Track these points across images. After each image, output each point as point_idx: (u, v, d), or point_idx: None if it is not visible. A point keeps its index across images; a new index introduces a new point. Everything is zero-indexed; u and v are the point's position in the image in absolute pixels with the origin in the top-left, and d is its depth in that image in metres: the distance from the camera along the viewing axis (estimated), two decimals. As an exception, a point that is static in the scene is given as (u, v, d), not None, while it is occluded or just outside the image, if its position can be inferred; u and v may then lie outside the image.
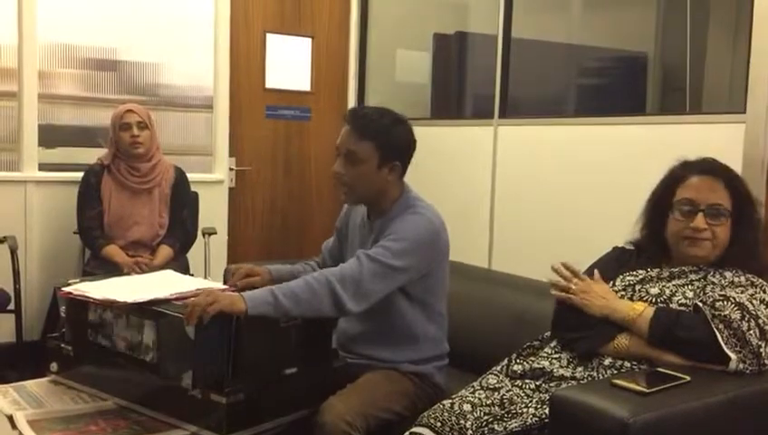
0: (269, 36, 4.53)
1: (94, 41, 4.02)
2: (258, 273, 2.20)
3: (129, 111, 3.49)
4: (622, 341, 1.83)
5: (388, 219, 2.16)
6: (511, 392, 1.87)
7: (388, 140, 2.15)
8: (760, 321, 1.73)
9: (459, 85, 4.92)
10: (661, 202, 1.97)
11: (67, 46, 3.96)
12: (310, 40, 4.66)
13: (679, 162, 1.98)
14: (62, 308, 2.14)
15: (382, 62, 4.87)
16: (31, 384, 2.12)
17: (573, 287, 1.93)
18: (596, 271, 1.99)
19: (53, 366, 2.14)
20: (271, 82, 4.56)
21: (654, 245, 1.99)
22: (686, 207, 1.90)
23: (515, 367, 1.94)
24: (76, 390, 2.08)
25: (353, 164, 2.14)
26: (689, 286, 1.86)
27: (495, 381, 1.94)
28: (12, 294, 3.41)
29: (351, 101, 4.78)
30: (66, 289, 2.07)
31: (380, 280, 2.02)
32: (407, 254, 2.05)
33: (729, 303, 1.74)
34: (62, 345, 2.12)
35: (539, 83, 4.51)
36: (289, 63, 4.61)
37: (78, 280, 2.19)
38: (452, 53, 4.85)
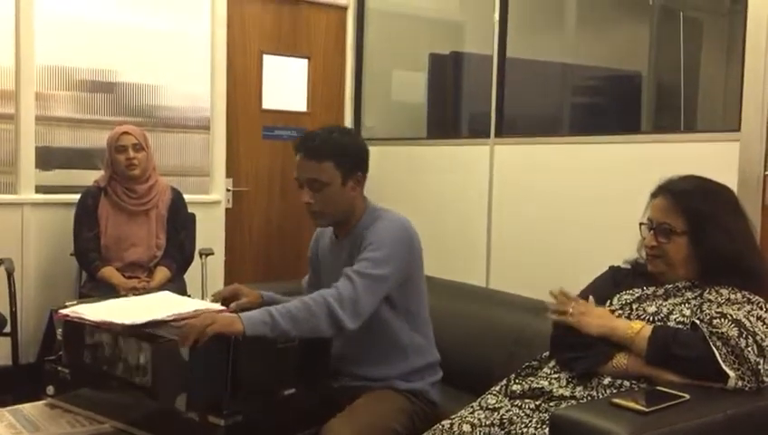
0: (266, 57, 4.56)
1: (91, 63, 4.04)
2: (245, 294, 2.19)
3: (125, 132, 3.49)
4: (621, 360, 1.82)
5: (357, 232, 2.16)
6: (510, 412, 1.87)
7: (345, 153, 2.14)
8: (757, 338, 1.73)
9: (455, 105, 4.94)
10: (642, 220, 2.02)
11: (64, 68, 3.98)
12: (306, 61, 4.69)
13: (661, 181, 2.01)
14: (59, 331, 2.13)
15: (378, 82, 4.90)
16: (27, 408, 2.11)
17: (570, 310, 1.94)
18: (591, 297, 1.99)
19: (50, 389, 2.13)
20: (268, 103, 4.58)
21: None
22: (646, 227, 1.97)
23: (514, 387, 1.94)
24: (73, 413, 2.06)
25: (319, 190, 2.12)
26: (686, 304, 1.87)
27: (495, 402, 1.93)
28: (8, 316, 3.40)
29: (348, 122, 4.80)
30: (63, 311, 2.06)
31: (373, 293, 2.03)
32: (389, 260, 2.06)
33: (726, 320, 1.74)
34: (59, 368, 2.10)
35: (534, 103, 4.53)
36: (286, 84, 4.63)
37: (75, 302, 2.18)
38: (448, 73, 4.88)
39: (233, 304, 2.14)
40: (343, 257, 2.17)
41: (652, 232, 1.94)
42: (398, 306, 2.16)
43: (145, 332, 1.88)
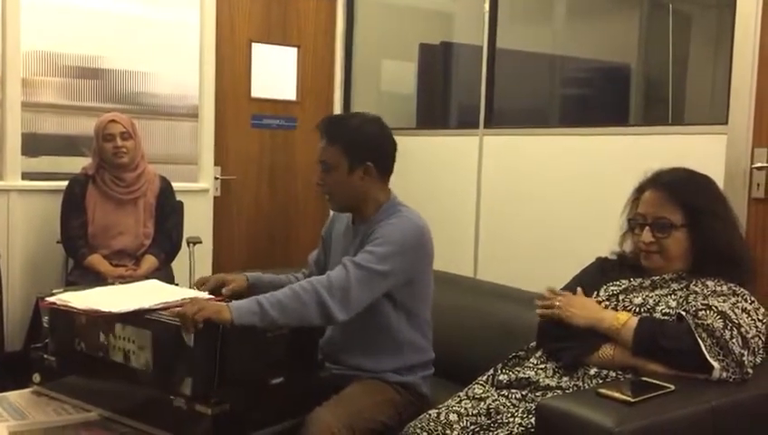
0: (254, 45, 4.53)
1: (78, 49, 4.00)
2: (231, 280, 2.20)
3: (113, 120, 3.47)
4: (607, 350, 1.84)
5: (371, 224, 2.15)
6: (497, 402, 1.88)
7: (355, 141, 2.13)
8: (742, 329, 1.74)
9: (445, 95, 4.94)
10: (630, 216, 2.01)
11: (51, 54, 3.94)
12: (296, 49, 4.67)
13: (645, 176, 2.01)
14: (45, 319, 2.12)
15: (368, 71, 4.89)
16: (13, 396, 2.10)
17: (557, 304, 1.94)
18: (579, 289, 2.00)
19: (36, 377, 2.12)
20: (256, 92, 4.56)
21: (635, 255, 2.01)
22: (638, 222, 1.95)
23: (501, 377, 1.95)
24: (59, 401, 2.06)
25: (327, 172, 2.14)
26: (672, 296, 1.88)
27: (481, 391, 1.94)
28: (-7, 304, 3.39)
29: (337, 111, 4.78)
30: (49, 299, 2.05)
31: (367, 286, 2.00)
32: (392, 257, 2.04)
33: (712, 312, 1.75)
34: (45, 356, 2.10)
35: (524, 94, 4.54)
36: (275, 73, 4.61)
37: (61, 290, 2.17)
38: (437, 63, 4.87)
39: (224, 290, 2.14)
40: (356, 244, 2.16)
41: (647, 228, 1.92)
42: (400, 305, 2.15)
43: (145, 317, 1.88)
